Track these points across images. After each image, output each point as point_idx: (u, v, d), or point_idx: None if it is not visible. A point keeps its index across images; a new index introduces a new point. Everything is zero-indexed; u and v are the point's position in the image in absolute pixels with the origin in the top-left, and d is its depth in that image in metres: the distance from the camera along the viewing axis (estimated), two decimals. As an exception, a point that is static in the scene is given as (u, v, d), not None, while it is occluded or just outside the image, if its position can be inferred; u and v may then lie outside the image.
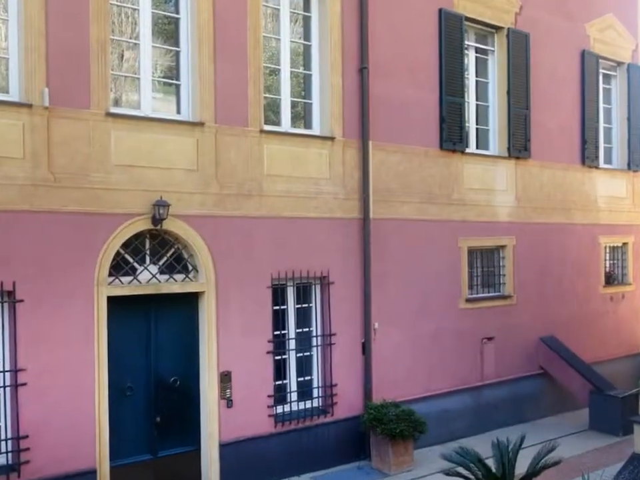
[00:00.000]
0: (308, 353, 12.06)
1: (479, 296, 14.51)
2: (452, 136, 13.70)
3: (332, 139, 12.00)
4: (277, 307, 11.56)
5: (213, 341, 10.58)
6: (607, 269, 17.67)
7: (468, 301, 14.06)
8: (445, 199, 13.71)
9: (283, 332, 11.69)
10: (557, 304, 15.89)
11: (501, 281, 14.95)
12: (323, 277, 11.98)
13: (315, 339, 12.03)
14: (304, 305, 12.03)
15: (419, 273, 13.22)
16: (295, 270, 11.47)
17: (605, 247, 17.54)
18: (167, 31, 11.00)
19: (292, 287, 11.78)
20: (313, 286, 12.06)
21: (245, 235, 10.95)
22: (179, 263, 10.55)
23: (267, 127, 11.44)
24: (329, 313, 12.01)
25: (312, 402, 11.94)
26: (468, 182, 14.15)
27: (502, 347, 14.56)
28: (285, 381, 11.73)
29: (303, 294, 11.94)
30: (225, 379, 10.67)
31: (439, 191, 13.62)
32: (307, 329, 12.05)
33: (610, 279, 17.68)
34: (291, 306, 11.87)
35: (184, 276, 10.58)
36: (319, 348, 12.05)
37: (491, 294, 14.79)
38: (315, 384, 12.06)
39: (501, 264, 14.95)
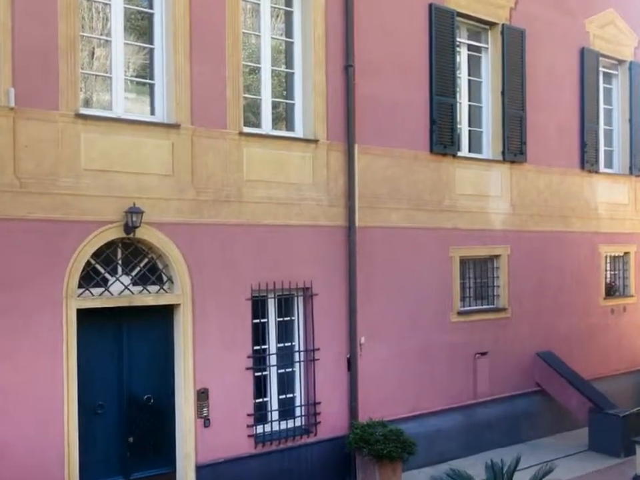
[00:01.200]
0: (290, 369, 12.28)
1: (472, 308, 14.79)
2: (443, 139, 13.99)
3: (315, 141, 12.24)
4: (257, 320, 11.77)
5: (189, 356, 10.78)
6: (608, 280, 17.99)
7: (460, 314, 14.33)
8: (436, 206, 13.99)
9: (263, 347, 11.91)
10: (554, 317, 16.19)
11: (495, 293, 15.23)
12: (306, 288, 12.21)
13: (297, 354, 12.26)
14: (286, 318, 12.25)
15: (408, 285, 13.46)
16: (276, 281, 11.70)
17: (606, 257, 17.87)
18: (140, 27, 11.22)
19: (273, 299, 12.00)
20: (295, 298, 12.28)
21: (223, 244, 11.15)
22: (153, 274, 10.75)
23: (247, 129, 11.66)
24: (312, 326, 12.23)
25: (294, 421, 12.17)
26: (460, 187, 14.44)
27: (496, 363, 14.83)
28: (265, 399, 11.95)
29: (285, 306, 12.16)
30: (202, 396, 10.87)
31: (429, 197, 13.89)
32: (289, 344, 12.27)
33: (611, 291, 18.00)
34: (272, 319, 12.09)
35: (158, 287, 10.78)
36: (302, 364, 12.27)
37: (484, 306, 15.08)
38: (297, 402, 12.28)
39: (494, 275, 15.23)
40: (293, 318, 12.34)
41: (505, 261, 15.23)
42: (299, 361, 12.26)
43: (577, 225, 16.82)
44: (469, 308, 14.73)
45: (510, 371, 15.12)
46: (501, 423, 14.81)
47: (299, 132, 12.40)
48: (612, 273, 18.22)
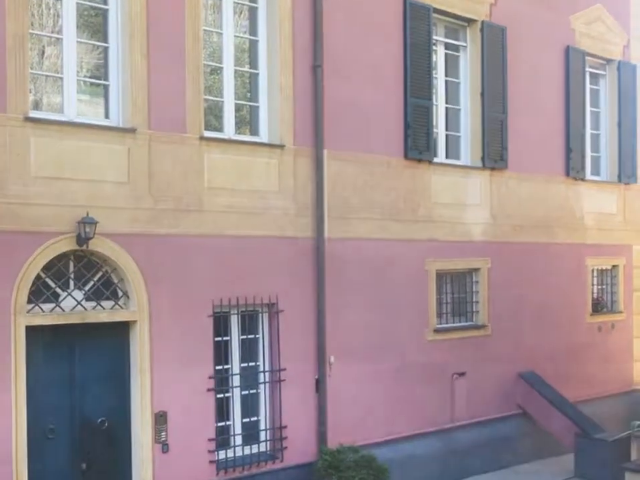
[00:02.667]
0: (254, 391, 12.56)
1: (449, 326, 15.15)
2: (418, 144, 14.34)
3: (281, 147, 12.55)
4: (219, 338, 12.02)
5: (146, 376, 11.04)
6: (595, 295, 18.39)
7: (436, 331, 14.68)
8: (411, 216, 14.35)
9: (225, 367, 12.19)
10: (537, 335, 16.55)
11: (474, 309, 15.61)
12: (272, 304, 12.51)
13: (262, 374, 12.56)
14: (250, 336, 12.53)
15: (381, 300, 13.76)
16: (239, 296, 11.99)
17: (593, 270, 18.29)
18: (94, 24, 11.45)
19: (236, 315, 12.28)
20: (260, 314, 12.57)
21: (183, 256, 11.42)
22: (107, 288, 11.02)
23: (208, 134, 11.96)
24: (278, 345, 12.51)
25: (259, 446, 12.45)
26: (436, 196, 14.84)
27: (475, 384, 15.17)
28: (228, 423, 12.21)
29: (249, 323, 12.44)
30: (160, 419, 11.10)
31: (404, 206, 14.26)
32: (253, 363, 12.58)
33: (598, 307, 18.37)
34: (235, 337, 12.37)
35: (113, 303, 11.05)
36: (267, 385, 12.57)
37: (462, 323, 15.44)
38: (262, 426, 12.57)
39: (474, 289, 15.59)
40: (257, 336, 12.64)
41: (484, 274, 15.59)
42: (264, 382, 12.56)
43: (561, 236, 17.20)
44: (446, 325, 15.10)
45: (490, 392, 15.47)
46: (481, 448, 15.10)
47: (263, 137, 12.70)
48: (599, 287, 18.62)
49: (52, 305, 10.45)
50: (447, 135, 15.57)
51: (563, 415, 15.24)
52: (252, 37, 12.89)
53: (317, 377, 12.90)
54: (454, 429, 14.83)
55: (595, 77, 18.79)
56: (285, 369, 12.54)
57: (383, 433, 13.72)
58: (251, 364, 12.54)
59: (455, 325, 15.31)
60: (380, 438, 13.62)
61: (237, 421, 12.31)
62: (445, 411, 14.73)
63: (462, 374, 14.90)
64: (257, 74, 12.78)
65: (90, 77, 11.40)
